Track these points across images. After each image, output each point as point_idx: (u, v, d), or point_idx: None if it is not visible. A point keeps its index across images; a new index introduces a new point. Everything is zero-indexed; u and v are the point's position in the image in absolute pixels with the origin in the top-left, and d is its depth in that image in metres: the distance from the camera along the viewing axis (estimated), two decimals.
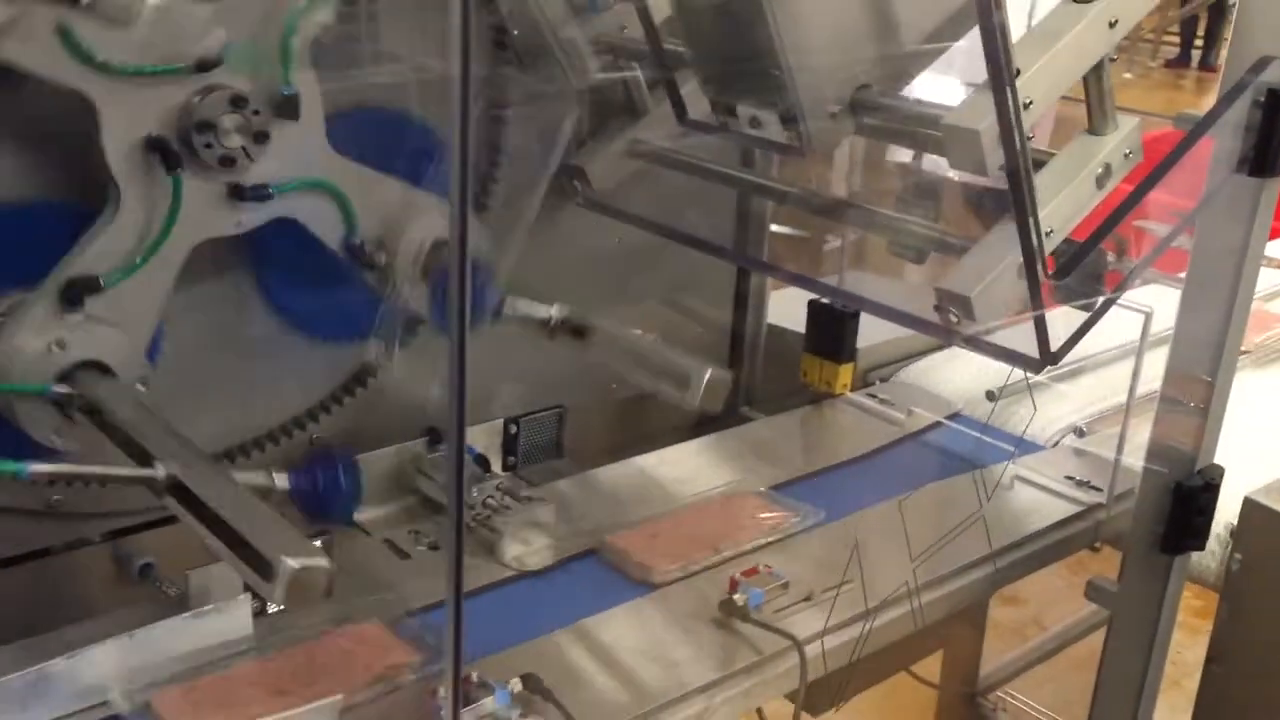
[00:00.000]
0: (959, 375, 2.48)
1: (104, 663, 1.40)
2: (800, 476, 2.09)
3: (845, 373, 2.33)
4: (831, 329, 2.30)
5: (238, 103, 1.53)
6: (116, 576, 1.81)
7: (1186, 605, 1.96)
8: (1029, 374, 2.19)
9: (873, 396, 2.38)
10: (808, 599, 1.70)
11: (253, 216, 1.61)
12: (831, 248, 2.51)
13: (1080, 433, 2.27)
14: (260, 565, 1.18)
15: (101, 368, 1.51)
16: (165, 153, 1.49)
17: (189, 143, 1.50)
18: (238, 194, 1.55)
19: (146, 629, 1.43)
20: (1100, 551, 2.08)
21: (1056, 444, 2.27)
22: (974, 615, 2.72)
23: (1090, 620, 3.02)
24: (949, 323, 1.56)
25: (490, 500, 1.80)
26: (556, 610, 1.66)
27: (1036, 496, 2.08)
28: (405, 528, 1.82)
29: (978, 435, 2.22)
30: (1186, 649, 2.27)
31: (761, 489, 2.00)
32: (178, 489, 1.31)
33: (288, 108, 1.57)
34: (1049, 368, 1.55)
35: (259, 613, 1.53)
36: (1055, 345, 1.51)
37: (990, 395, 2.37)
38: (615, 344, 1.83)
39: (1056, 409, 2.35)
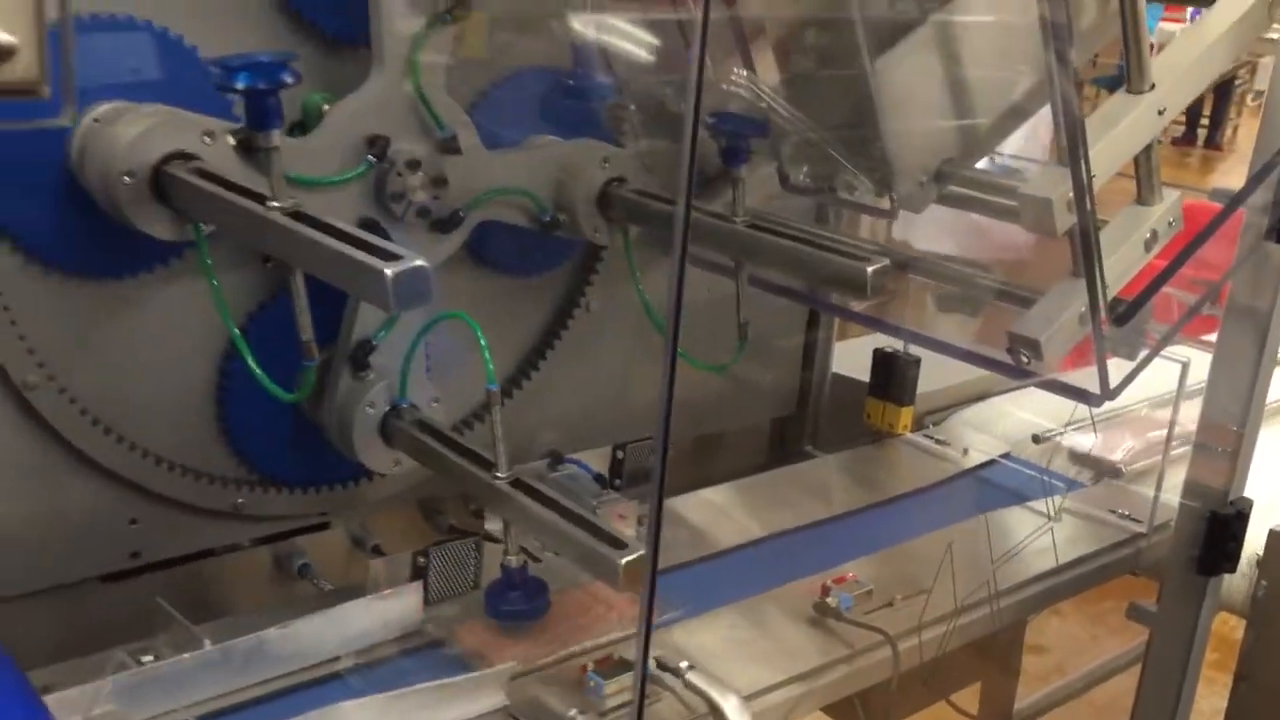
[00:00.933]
0: (1006, 421, 2.73)
1: (307, 635, 1.64)
2: (864, 506, 2.33)
3: (906, 415, 2.58)
4: (895, 374, 2.55)
5: (413, 165, 1.81)
6: (277, 575, 2.06)
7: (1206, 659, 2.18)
8: (1057, 430, 2.50)
9: (929, 437, 2.64)
10: (890, 604, 1.94)
11: (459, 235, 1.89)
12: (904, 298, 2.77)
13: (1119, 473, 2.52)
14: (613, 541, 1.49)
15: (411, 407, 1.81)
16: (379, 148, 1.76)
17: (393, 163, 1.78)
18: (440, 228, 1.84)
19: (340, 608, 1.68)
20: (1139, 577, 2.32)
21: (1099, 482, 2.52)
22: (1011, 651, 2.94)
23: (1116, 663, 3.25)
24: (1020, 363, 1.82)
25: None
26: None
27: (1083, 526, 2.32)
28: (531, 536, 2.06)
29: (1029, 472, 2.46)
30: (1204, 699, 2.46)
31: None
32: (520, 485, 1.60)
33: (451, 146, 1.84)
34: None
35: (428, 600, 1.78)
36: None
37: (1036, 439, 2.62)
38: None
39: (1099, 452, 2.60)
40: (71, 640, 1.80)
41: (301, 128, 1.79)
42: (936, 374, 2.66)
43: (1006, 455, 2.59)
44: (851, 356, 2.75)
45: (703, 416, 2.59)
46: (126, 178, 1.54)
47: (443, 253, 1.87)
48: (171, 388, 1.82)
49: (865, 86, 1.76)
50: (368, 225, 1.78)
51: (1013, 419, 2.73)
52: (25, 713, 1.17)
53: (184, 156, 1.56)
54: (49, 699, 1.43)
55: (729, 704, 1.51)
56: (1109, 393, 1.79)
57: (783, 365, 2.71)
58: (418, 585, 1.75)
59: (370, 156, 1.76)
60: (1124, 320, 1.76)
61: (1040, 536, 2.18)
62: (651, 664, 1.60)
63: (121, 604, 1.86)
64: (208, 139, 1.58)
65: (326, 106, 1.77)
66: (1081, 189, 1.62)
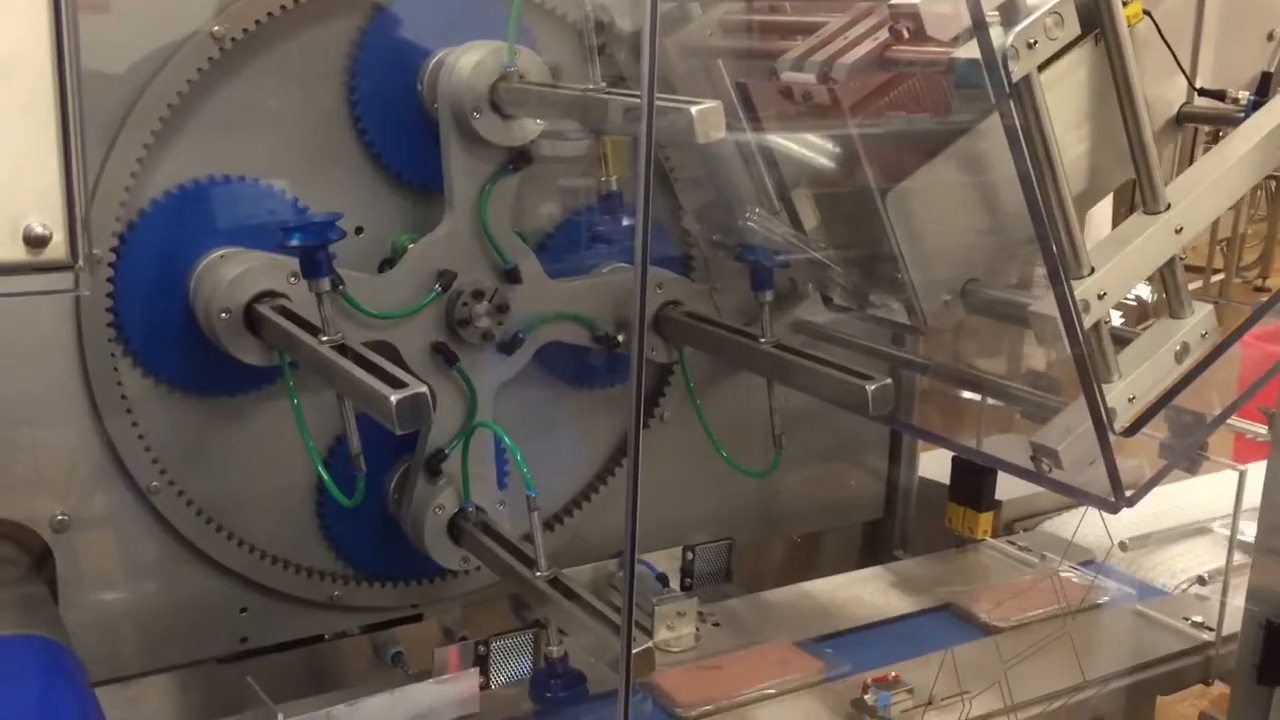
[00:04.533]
0: (1098, 529, 2.75)
1: (372, 711, 1.85)
2: (935, 606, 2.41)
3: (985, 520, 2.64)
4: (972, 480, 2.62)
5: (478, 295, 2.05)
6: (374, 661, 2.29)
7: None
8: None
9: (1011, 543, 2.69)
10: (929, 703, 2.02)
11: (522, 356, 2.11)
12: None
13: (1203, 581, 2.51)
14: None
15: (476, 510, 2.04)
16: (445, 354, 2.02)
17: (459, 293, 2.02)
18: (504, 349, 2.07)
19: (403, 689, 1.89)
20: (1212, 686, 2.30)
21: (1183, 590, 2.52)
22: None
23: None
24: (1042, 470, 1.91)
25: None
26: None
27: (1154, 633, 2.34)
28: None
29: (1106, 579, 2.49)
30: None
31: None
32: (555, 583, 1.81)
33: (513, 276, 2.07)
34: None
35: (484, 686, 1.97)
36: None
37: (1123, 546, 2.64)
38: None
39: (1186, 561, 2.61)
40: (189, 715, 2.08)
41: (390, 264, 2.06)
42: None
43: (1089, 563, 2.61)
44: (943, 462, 2.83)
45: (791, 518, 2.73)
46: (224, 314, 1.83)
47: (507, 371, 2.10)
48: (276, 491, 2.09)
49: (879, 216, 1.91)
50: (439, 349, 2.03)
51: (1103, 526, 2.74)
52: None
53: (272, 295, 1.84)
54: None
55: None
56: (1124, 500, 1.85)
57: (869, 470, 2.82)
58: (474, 671, 1.94)
59: (437, 287, 2.00)
60: (1131, 432, 1.83)
61: (1097, 643, 2.21)
62: None
63: (236, 684, 2.12)
64: (293, 279, 1.85)
65: (411, 245, 2.04)
66: (1067, 307, 1.72)
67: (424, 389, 1.50)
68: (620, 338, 2.17)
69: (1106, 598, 2.44)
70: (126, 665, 2.02)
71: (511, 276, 2.06)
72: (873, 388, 1.79)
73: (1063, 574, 2.46)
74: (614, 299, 2.19)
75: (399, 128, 2.04)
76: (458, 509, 2.05)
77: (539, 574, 1.83)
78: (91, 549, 1.96)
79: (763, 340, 2.03)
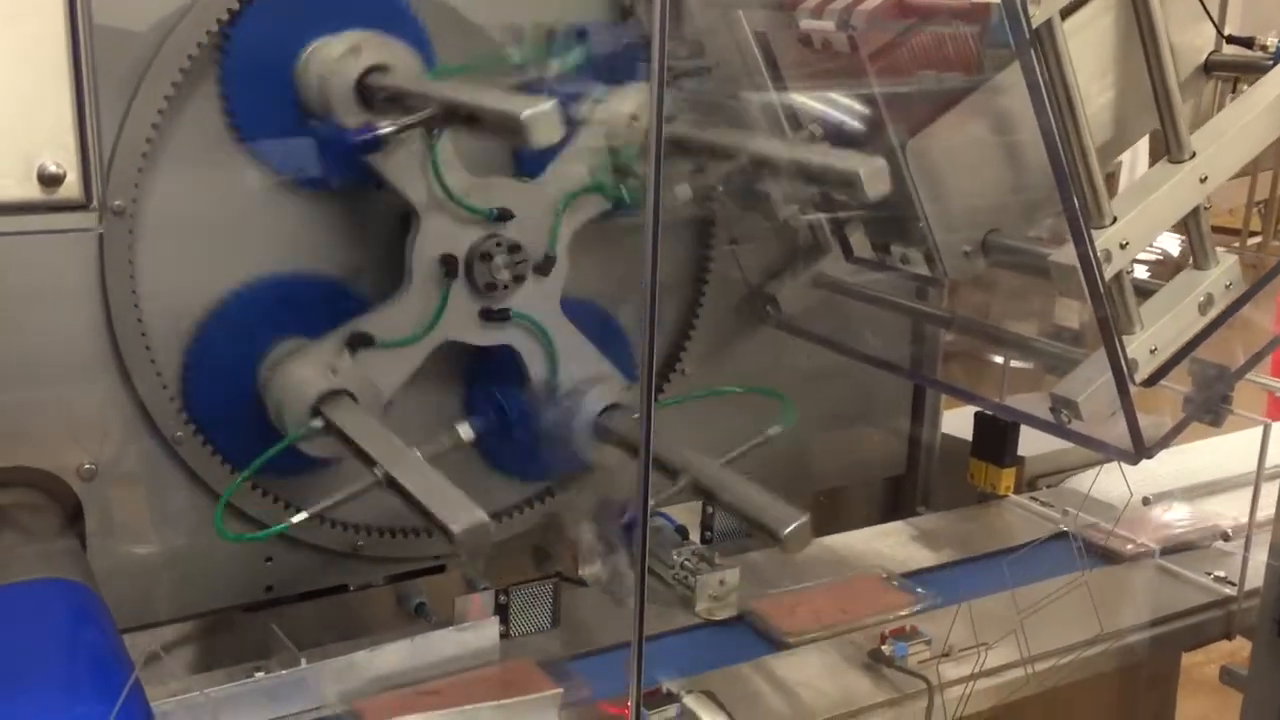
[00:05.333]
0: (1122, 484, 2.73)
1: (392, 658, 1.88)
2: (956, 560, 2.41)
3: (1008, 476, 2.63)
4: (994, 436, 2.61)
5: (513, 250, 2.05)
6: (397, 611, 2.31)
7: None
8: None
9: (1035, 499, 2.68)
10: (946, 654, 2.02)
11: (490, 335, 2.09)
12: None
13: (1227, 536, 2.50)
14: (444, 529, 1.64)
15: (352, 397, 1.98)
16: (450, 267, 2.01)
17: (470, 266, 2.02)
18: (486, 315, 2.06)
19: (424, 636, 1.91)
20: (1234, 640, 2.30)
21: (1208, 546, 2.51)
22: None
23: None
24: (1062, 421, 1.90)
25: (686, 563, 2.21)
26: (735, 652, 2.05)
27: (1176, 588, 2.33)
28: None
29: (1126, 534, 2.47)
30: None
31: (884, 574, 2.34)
32: (391, 483, 1.76)
33: (546, 265, 2.08)
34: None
35: (504, 635, 2.00)
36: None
37: (1146, 500, 2.62)
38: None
39: (1209, 516, 2.59)
40: (216, 659, 2.12)
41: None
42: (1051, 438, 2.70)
43: (1114, 519, 2.60)
44: (966, 419, 2.82)
45: (814, 473, 2.73)
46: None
47: (557, 286, 2.11)
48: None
49: (899, 166, 1.89)
50: (487, 315, 2.05)
51: (1130, 482, 2.73)
52: None
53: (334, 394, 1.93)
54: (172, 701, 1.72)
55: None
56: (1145, 452, 1.84)
57: (891, 426, 2.81)
58: (494, 620, 1.96)
59: (447, 279, 2.01)
60: (1152, 383, 1.81)
61: (1117, 597, 2.20)
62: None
63: (263, 631, 2.16)
64: (332, 373, 1.94)
65: None
66: (1087, 258, 1.71)
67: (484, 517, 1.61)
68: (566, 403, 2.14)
69: (1129, 548, 2.43)
70: (154, 612, 2.05)
71: (544, 265, 2.08)
72: (865, 169, 1.68)
73: (1084, 528, 2.45)
74: (598, 157, 2.13)
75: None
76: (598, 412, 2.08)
77: None
78: (119, 498, 1.99)
79: None
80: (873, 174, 1.63)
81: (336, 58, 1.89)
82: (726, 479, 1.92)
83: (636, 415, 2.04)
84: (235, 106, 1.95)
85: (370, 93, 1.89)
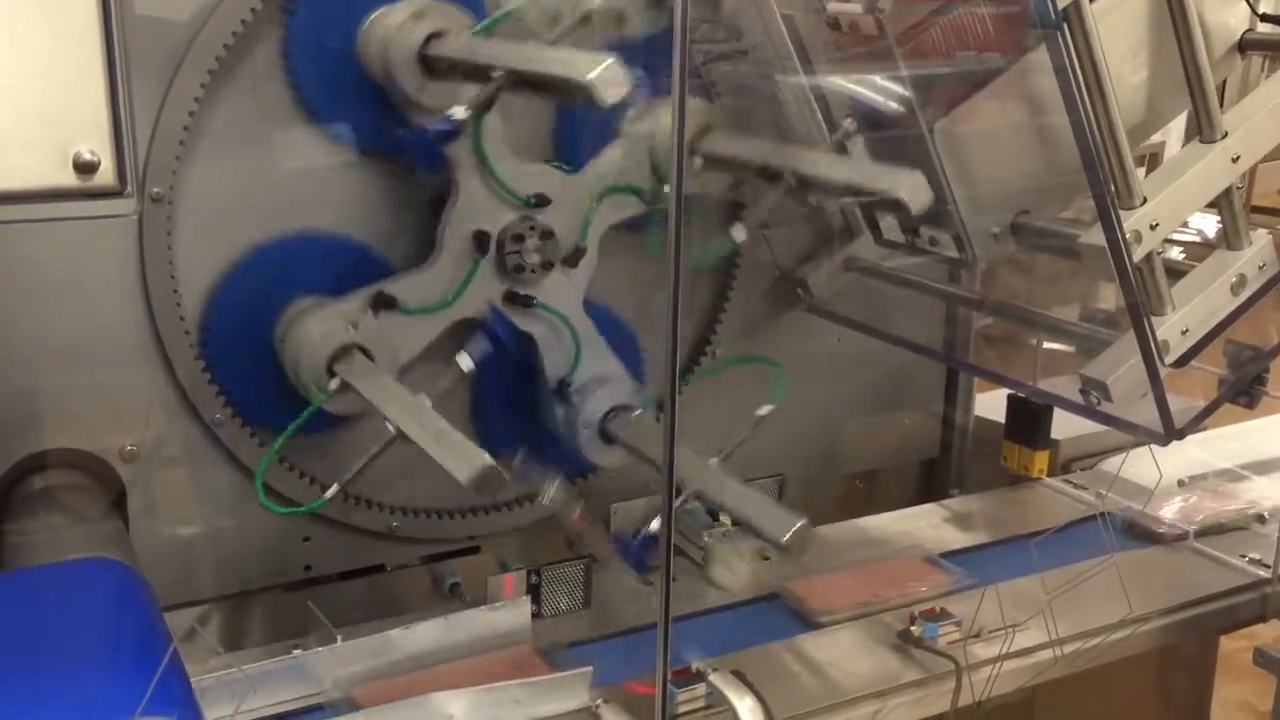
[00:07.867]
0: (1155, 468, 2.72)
1: (426, 636, 1.91)
2: (989, 542, 2.41)
3: (1041, 458, 2.63)
4: (1028, 418, 2.61)
5: (545, 236, 2.07)
6: (432, 591, 2.35)
7: None
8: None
9: (1069, 482, 2.67)
10: (976, 635, 2.03)
11: (590, 260, 2.11)
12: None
13: (1262, 519, 2.48)
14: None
15: (368, 354, 1.98)
16: (482, 243, 2.02)
17: (501, 245, 2.04)
18: (510, 299, 2.08)
19: (456, 614, 1.94)
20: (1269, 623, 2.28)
21: (1243, 529, 2.49)
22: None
23: None
24: (1091, 403, 1.90)
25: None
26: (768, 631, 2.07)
27: (1210, 570, 2.32)
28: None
29: (1160, 515, 2.46)
30: None
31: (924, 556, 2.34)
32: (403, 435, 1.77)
33: (574, 257, 2.10)
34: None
35: (536, 615, 2.02)
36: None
37: (1181, 483, 2.61)
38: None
39: (1245, 499, 2.57)
40: (254, 639, 2.16)
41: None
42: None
43: (1144, 501, 2.58)
44: (999, 402, 2.82)
45: (848, 457, 2.74)
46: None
47: (583, 279, 2.12)
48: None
49: (927, 148, 1.90)
50: (511, 299, 2.07)
51: (1167, 466, 2.71)
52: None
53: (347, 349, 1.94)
54: (211, 676, 1.76)
55: (744, 705, 1.66)
56: (1175, 433, 1.84)
57: (925, 409, 2.81)
58: (526, 599, 1.99)
59: (477, 255, 2.04)
60: (1182, 364, 1.81)
61: (1146, 580, 2.20)
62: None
63: (301, 610, 2.20)
64: (352, 328, 1.95)
65: None
66: (1115, 239, 1.70)
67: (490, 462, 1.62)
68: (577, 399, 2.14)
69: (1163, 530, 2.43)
70: (195, 591, 2.10)
71: (573, 257, 2.09)
72: (905, 189, 1.73)
73: (1119, 511, 2.45)
74: (643, 158, 2.13)
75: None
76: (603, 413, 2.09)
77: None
78: (160, 480, 2.04)
79: None
80: (914, 190, 1.67)
81: (398, 25, 1.90)
82: (727, 486, 1.91)
83: (637, 414, 2.08)
84: (300, 80, 1.97)
85: (431, 60, 1.90)
